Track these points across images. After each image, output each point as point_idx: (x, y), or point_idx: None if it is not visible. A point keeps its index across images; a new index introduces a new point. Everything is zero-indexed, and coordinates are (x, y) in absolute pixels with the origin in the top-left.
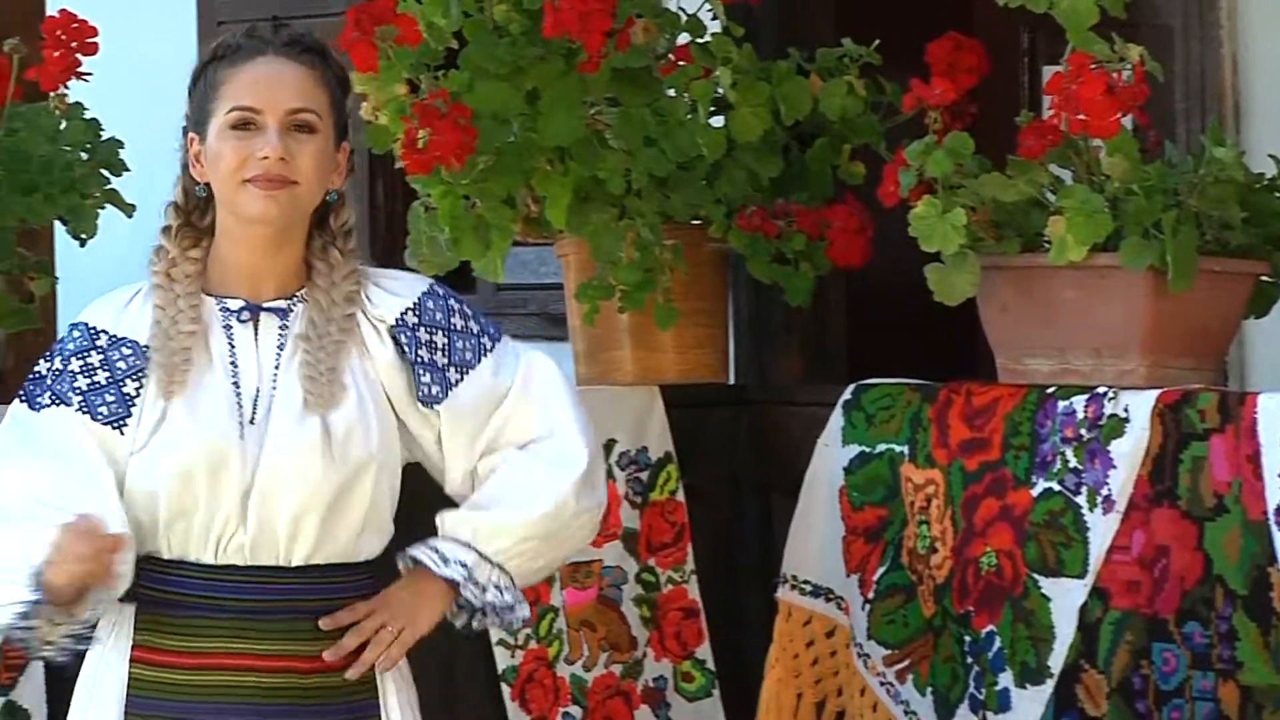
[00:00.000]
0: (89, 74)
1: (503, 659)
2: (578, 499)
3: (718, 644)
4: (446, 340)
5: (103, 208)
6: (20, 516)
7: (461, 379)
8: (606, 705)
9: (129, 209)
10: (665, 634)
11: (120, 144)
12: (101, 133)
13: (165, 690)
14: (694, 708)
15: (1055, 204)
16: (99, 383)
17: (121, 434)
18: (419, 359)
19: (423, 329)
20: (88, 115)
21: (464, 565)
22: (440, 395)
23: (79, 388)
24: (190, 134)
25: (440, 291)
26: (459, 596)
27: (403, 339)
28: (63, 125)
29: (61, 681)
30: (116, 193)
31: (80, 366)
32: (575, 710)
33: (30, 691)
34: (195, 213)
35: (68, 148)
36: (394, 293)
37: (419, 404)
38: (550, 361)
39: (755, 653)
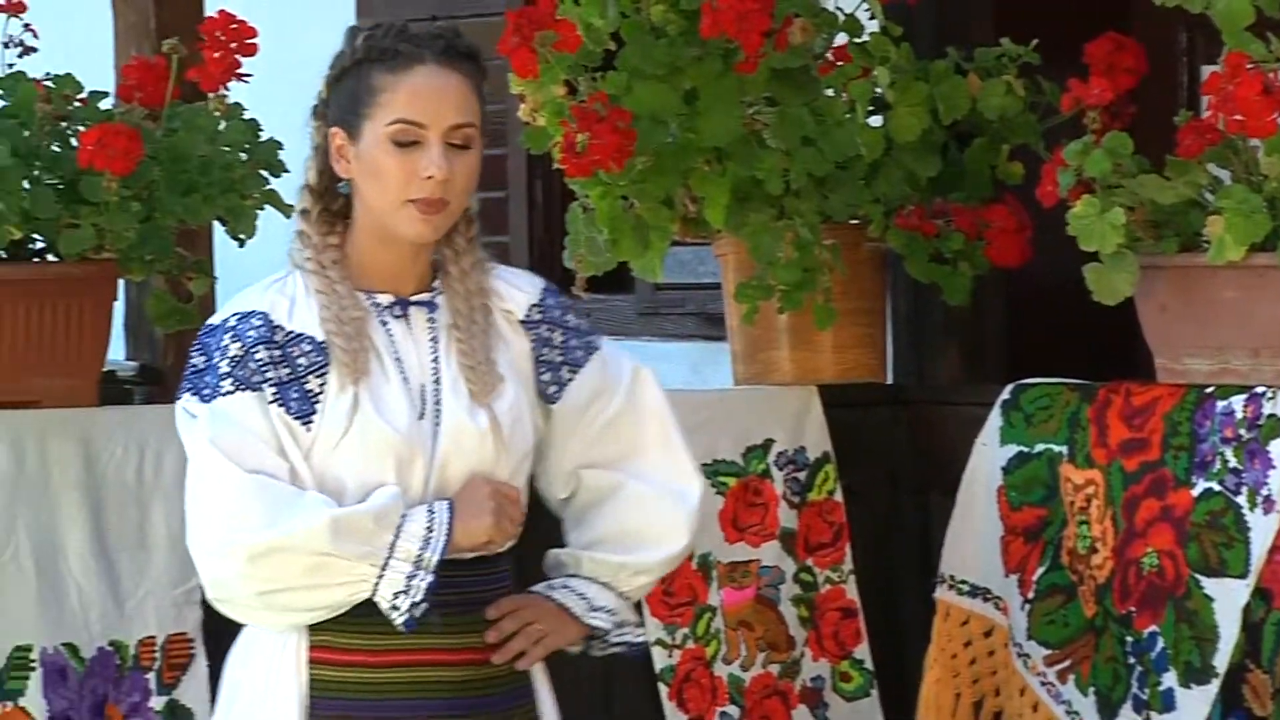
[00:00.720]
0: (249, 75)
1: (660, 658)
2: (694, 531)
3: (876, 644)
4: (564, 338)
5: (261, 208)
6: (292, 491)
7: (573, 377)
8: (764, 705)
9: (288, 210)
10: (823, 634)
11: (279, 145)
12: (261, 133)
13: (350, 690)
14: (852, 707)
15: (1214, 204)
16: (283, 378)
17: (307, 430)
18: (541, 355)
19: (544, 325)
20: (247, 116)
21: (609, 611)
22: (556, 394)
23: (270, 378)
24: (333, 127)
25: (554, 288)
26: (594, 632)
27: (530, 334)
28: (222, 126)
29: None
30: (275, 193)
31: (267, 357)
32: (733, 710)
33: (194, 690)
34: (328, 195)
35: (227, 148)
36: (518, 287)
37: (539, 399)
38: (655, 376)
39: (914, 652)
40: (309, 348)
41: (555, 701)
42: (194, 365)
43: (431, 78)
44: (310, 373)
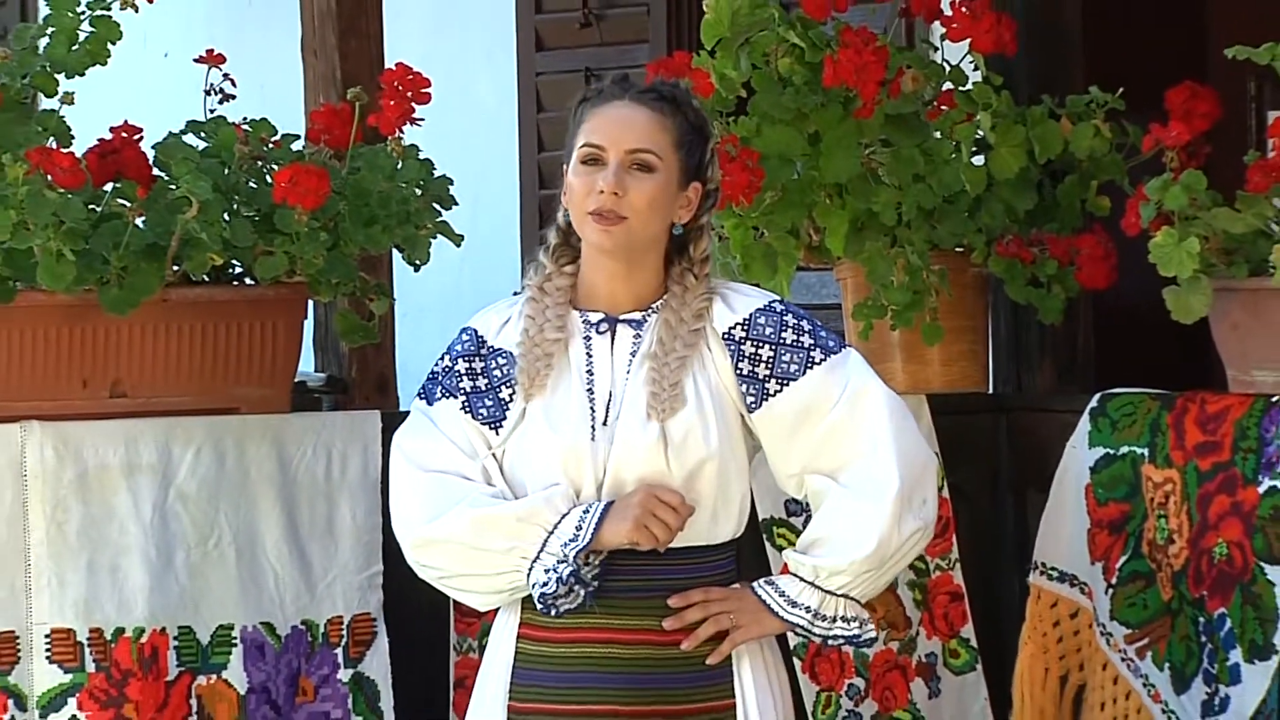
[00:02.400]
0: (422, 119)
1: (794, 636)
2: (899, 524)
3: (979, 624)
4: (773, 353)
5: (434, 237)
6: (468, 488)
7: (780, 390)
8: (886, 677)
9: (458, 239)
10: (934, 615)
11: (450, 181)
12: (434, 171)
13: (543, 661)
14: (960, 680)
15: (1279, 234)
16: (479, 387)
17: (497, 434)
18: (739, 370)
19: (749, 343)
20: (421, 156)
21: (808, 609)
22: (755, 405)
23: (464, 388)
24: (565, 165)
25: (778, 308)
26: (795, 628)
27: (730, 349)
28: (399, 165)
29: (404, 655)
30: (447, 224)
31: (465, 369)
32: (859, 681)
33: (376, 663)
34: (573, 234)
35: (404, 184)
36: (731, 308)
37: (744, 408)
38: (883, 389)
39: (1013, 632)
40: (504, 361)
41: (775, 691)
42: (431, 371)
43: (619, 109)
44: (503, 383)
